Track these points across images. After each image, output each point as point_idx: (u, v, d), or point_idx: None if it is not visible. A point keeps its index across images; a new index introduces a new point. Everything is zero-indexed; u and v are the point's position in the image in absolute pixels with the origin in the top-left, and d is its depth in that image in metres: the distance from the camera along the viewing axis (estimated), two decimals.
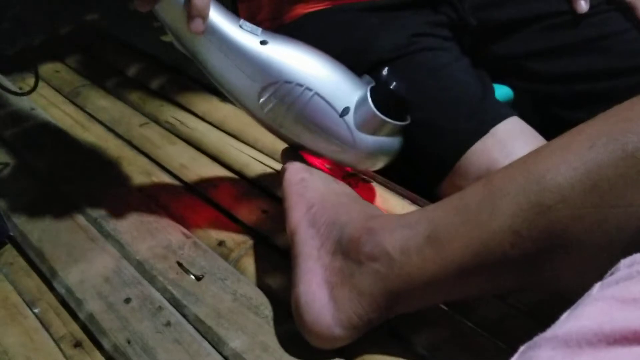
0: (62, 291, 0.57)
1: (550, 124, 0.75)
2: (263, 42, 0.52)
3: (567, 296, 0.30)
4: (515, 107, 0.70)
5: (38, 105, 0.90)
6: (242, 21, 0.53)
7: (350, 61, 0.73)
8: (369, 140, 0.52)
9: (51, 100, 0.92)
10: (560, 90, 0.75)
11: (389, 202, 0.64)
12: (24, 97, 0.90)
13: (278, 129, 0.54)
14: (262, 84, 0.51)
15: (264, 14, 0.81)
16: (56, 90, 0.96)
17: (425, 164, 0.68)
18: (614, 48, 0.73)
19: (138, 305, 0.54)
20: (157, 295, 0.55)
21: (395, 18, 0.76)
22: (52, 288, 0.59)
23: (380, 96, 0.51)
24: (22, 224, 0.67)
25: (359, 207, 0.51)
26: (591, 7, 0.75)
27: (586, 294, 0.29)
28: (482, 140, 0.64)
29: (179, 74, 0.96)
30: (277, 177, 0.68)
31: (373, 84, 0.53)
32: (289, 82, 0.51)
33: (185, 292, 0.55)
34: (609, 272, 0.29)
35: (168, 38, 1.10)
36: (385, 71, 0.53)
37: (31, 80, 0.98)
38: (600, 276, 0.30)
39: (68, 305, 0.56)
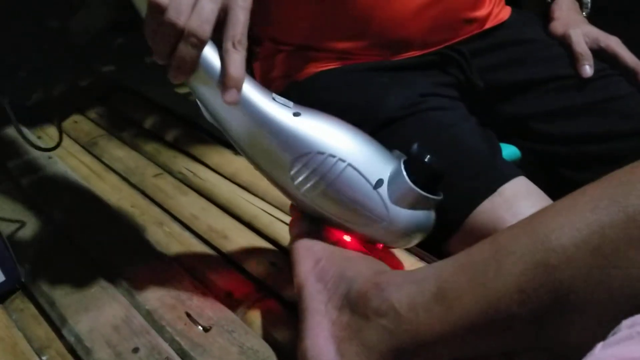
0: (71, 339, 0.58)
1: (556, 184, 0.76)
2: (296, 114, 0.51)
3: (572, 355, 0.31)
4: (522, 167, 0.71)
5: (55, 154, 0.92)
6: (274, 94, 0.52)
7: (359, 118, 0.75)
8: (402, 214, 0.50)
9: (69, 150, 0.95)
10: (565, 151, 0.77)
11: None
12: (41, 146, 0.92)
13: (309, 203, 0.52)
14: (294, 156, 0.50)
15: (278, 71, 0.84)
16: (74, 140, 0.99)
17: None
18: (618, 111, 0.75)
19: (146, 355, 0.54)
20: (165, 345, 0.56)
21: (404, 78, 0.79)
22: (61, 336, 0.59)
23: (414, 169, 0.50)
24: (34, 270, 0.68)
25: (366, 262, 0.51)
26: (596, 71, 0.77)
27: (589, 353, 0.29)
28: (490, 199, 0.65)
29: (193, 126, 0.98)
30: (285, 230, 0.69)
31: (405, 158, 0.52)
32: (322, 153, 0.50)
33: (193, 343, 0.55)
34: (611, 332, 0.30)
35: (183, 90, 1.13)
36: (415, 145, 0.51)
37: (50, 131, 1.01)
38: (604, 335, 0.30)
39: (76, 353, 0.56)
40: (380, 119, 0.73)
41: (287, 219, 0.71)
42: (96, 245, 0.71)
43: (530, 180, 0.68)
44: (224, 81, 0.49)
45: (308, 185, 0.51)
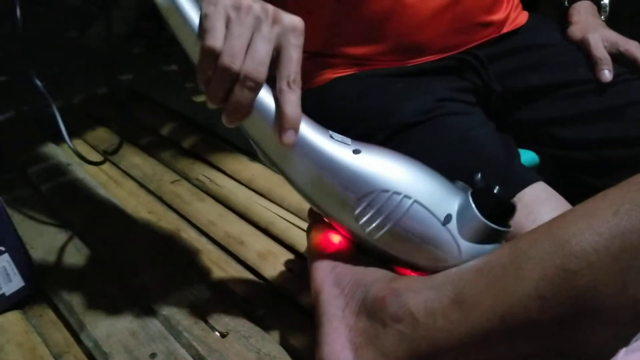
0: (89, 344, 0.58)
1: (575, 190, 0.75)
2: (356, 152, 0.49)
3: None
4: (541, 173, 0.70)
5: (74, 161, 0.93)
6: (331, 132, 0.50)
7: (376, 124, 0.75)
8: (474, 249, 0.47)
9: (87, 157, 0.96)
10: (584, 157, 0.76)
11: None
12: (60, 153, 0.93)
13: (375, 243, 0.49)
14: (357, 195, 0.48)
15: None
16: (92, 147, 1.00)
17: None
18: (637, 116, 0.74)
19: None
20: (182, 351, 0.56)
21: (421, 83, 0.78)
22: (79, 341, 0.59)
23: (484, 202, 0.48)
24: (53, 276, 0.68)
25: (383, 268, 0.51)
26: (615, 75, 0.76)
27: (611, 359, 0.28)
28: None
29: (210, 133, 0.99)
30: (302, 235, 0.69)
31: (470, 190, 0.50)
32: (386, 191, 0.48)
33: (210, 349, 0.55)
34: (634, 338, 0.29)
35: (200, 99, 1.14)
36: (479, 176, 0.49)
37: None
38: (626, 341, 0.30)
39: (94, 358, 0.57)
40: (397, 125, 0.73)
41: (304, 225, 0.71)
42: (114, 251, 0.71)
43: (549, 185, 0.67)
44: (281, 122, 0.48)
45: (373, 225, 0.48)
